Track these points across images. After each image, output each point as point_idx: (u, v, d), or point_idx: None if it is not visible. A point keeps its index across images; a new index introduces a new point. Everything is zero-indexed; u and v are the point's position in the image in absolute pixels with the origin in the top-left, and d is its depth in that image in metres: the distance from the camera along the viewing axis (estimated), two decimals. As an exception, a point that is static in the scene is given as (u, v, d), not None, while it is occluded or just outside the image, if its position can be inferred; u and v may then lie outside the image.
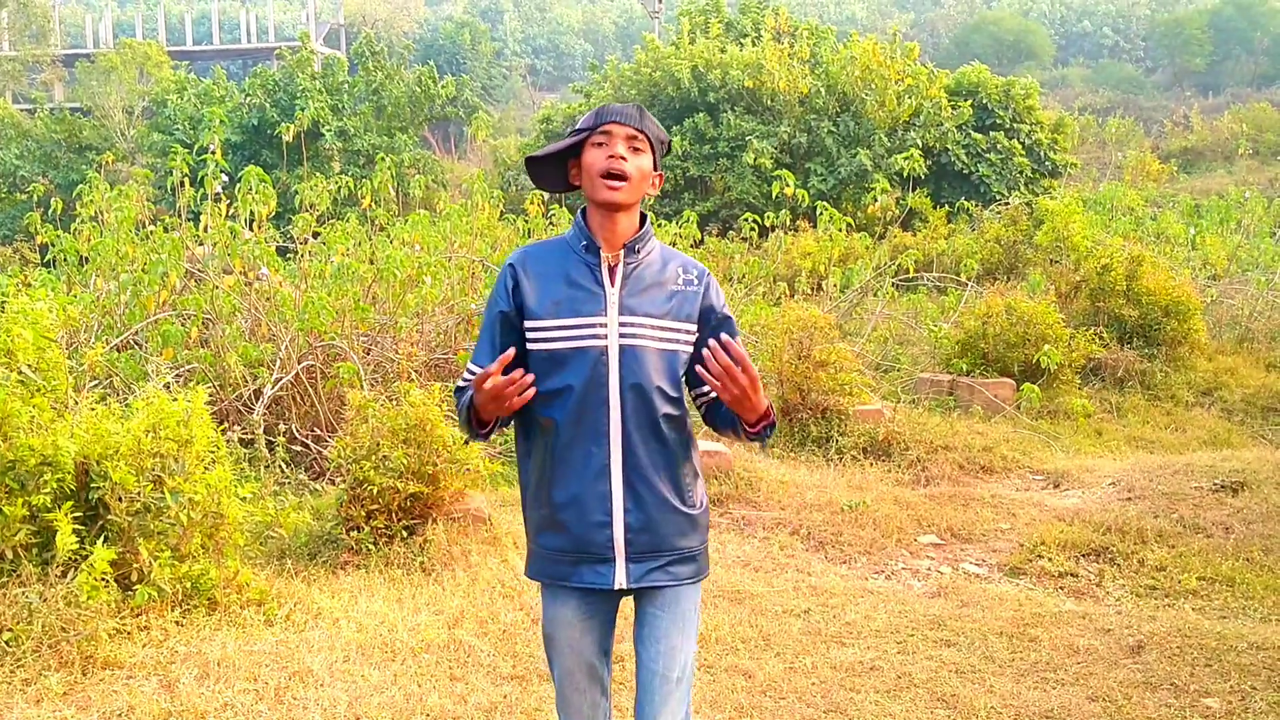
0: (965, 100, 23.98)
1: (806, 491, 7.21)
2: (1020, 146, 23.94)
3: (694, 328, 2.66)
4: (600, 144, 2.61)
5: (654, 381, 2.58)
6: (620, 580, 2.60)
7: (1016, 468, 8.33)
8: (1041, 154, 24.39)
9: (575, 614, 2.67)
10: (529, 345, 2.60)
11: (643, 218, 2.68)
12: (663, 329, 2.61)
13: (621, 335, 2.57)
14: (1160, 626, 5.02)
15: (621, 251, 2.63)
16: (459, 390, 2.69)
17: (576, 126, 2.67)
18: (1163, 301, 11.90)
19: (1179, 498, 7.10)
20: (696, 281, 2.68)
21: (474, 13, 73.71)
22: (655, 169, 2.67)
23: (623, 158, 2.58)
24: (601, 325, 2.56)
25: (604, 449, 2.56)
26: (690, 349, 2.67)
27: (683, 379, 2.69)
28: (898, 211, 19.65)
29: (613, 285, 2.60)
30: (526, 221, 10.52)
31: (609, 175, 2.58)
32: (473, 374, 2.60)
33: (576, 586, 2.63)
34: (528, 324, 2.60)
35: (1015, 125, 24.36)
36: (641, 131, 2.62)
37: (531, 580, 2.80)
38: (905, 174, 17.86)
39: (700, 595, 2.77)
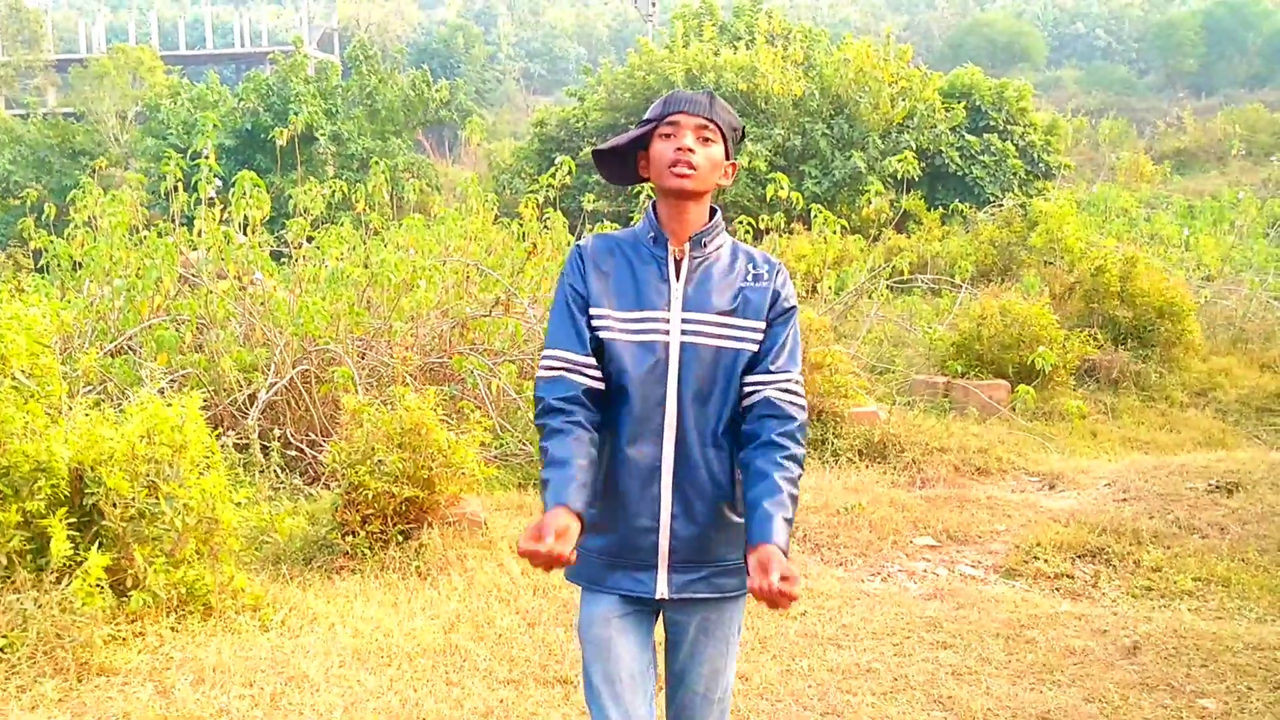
0: (959, 102, 24.03)
1: (802, 494, 7.19)
2: (1014, 148, 23.99)
3: (762, 324, 2.51)
4: (668, 135, 2.49)
5: (715, 382, 2.47)
6: (662, 589, 2.48)
7: (1012, 469, 8.33)
8: (1035, 156, 24.44)
9: (611, 610, 2.52)
10: (594, 333, 2.51)
11: (714, 211, 2.57)
12: (728, 326, 2.48)
13: (684, 332, 2.46)
14: (1156, 627, 5.02)
15: (688, 245, 2.52)
16: (543, 383, 2.49)
17: (645, 116, 2.56)
18: (1157, 303, 11.92)
19: (1174, 499, 7.10)
20: (767, 276, 2.54)
21: (467, 16, 73.77)
22: (728, 158, 2.55)
23: (690, 149, 2.47)
24: (664, 320, 2.46)
25: (658, 449, 2.45)
26: (757, 347, 2.51)
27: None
28: (892, 214, 19.68)
29: (678, 280, 2.50)
30: (521, 225, 10.52)
31: (676, 165, 2.47)
32: (555, 360, 2.47)
33: (613, 592, 2.52)
34: (592, 310, 2.49)
35: (1009, 127, 24.42)
36: (711, 120, 2.51)
37: (569, 582, 2.69)
38: (899, 176, 17.90)
39: (743, 615, 2.65)
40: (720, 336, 2.48)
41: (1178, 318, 11.95)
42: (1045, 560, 6.13)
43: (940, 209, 21.95)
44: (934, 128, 23.31)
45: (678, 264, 2.51)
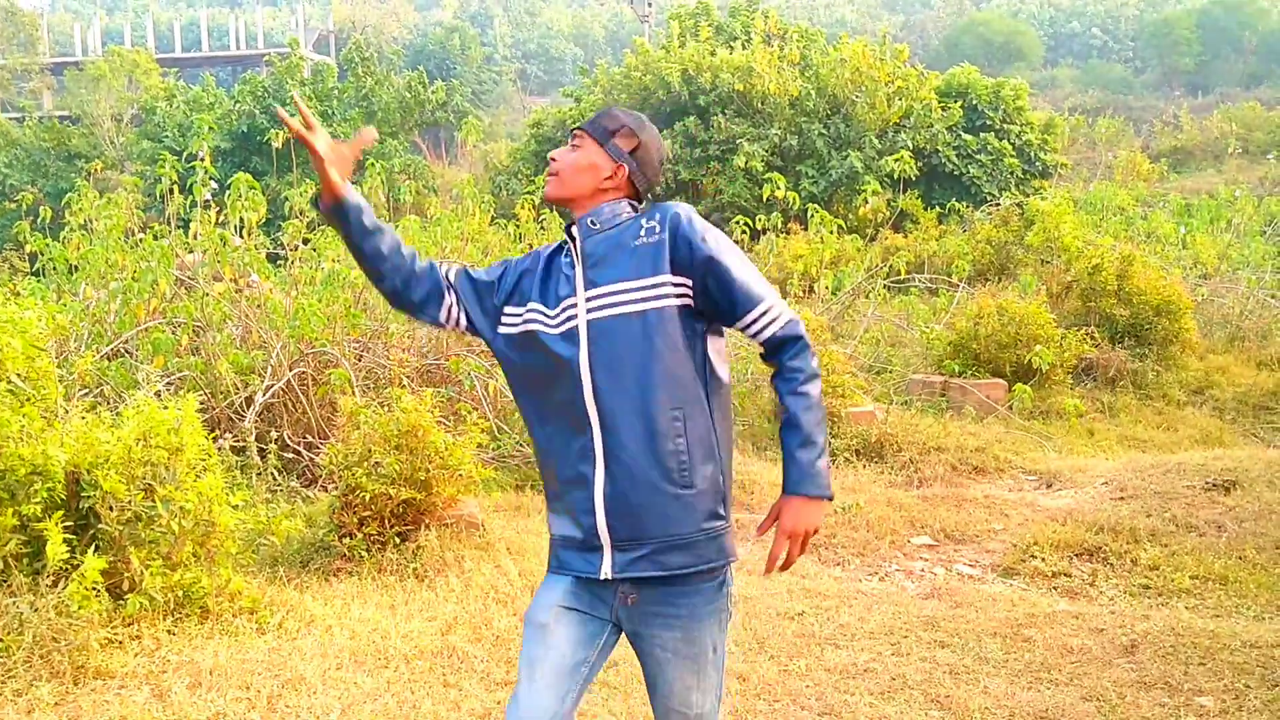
0: (955, 102, 24.04)
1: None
2: (1010, 147, 23.99)
3: (669, 277, 2.46)
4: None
5: (631, 352, 2.43)
6: (606, 570, 2.46)
7: (1009, 468, 8.34)
8: (1032, 155, 24.45)
9: (559, 598, 2.53)
10: (503, 330, 2.62)
11: (609, 200, 2.62)
12: (629, 290, 2.47)
13: (589, 310, 2.48)
14: (1154, 626, 5.02)
15: (577, 230, 2.59)
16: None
17: None
18: (1154, 301, 11.93)
19: (1171, 497, 7.11)
20: (660, 228, 2.50)
21: (463, 17, 73.78)
22: (613, 160, 2.61)
23: (553, 158, 2.65)
24: (571, 305, 2.51)
25: (586, 432, 2.46)
26: (684, 298, 2.47)
27: (696, 332, 2.50)
28: (889, 213, 19.69)
29: (579, 263, 2.55)
30: (518, 226, 10.52)
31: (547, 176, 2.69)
32: (458, 266, 2.74)
33: (570, 576, 2.53)
34: (506, 309, 2.62)
35: (1005, 126, 24.42)
36: (582, 130, 2.66)
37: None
38: (896, 176, 17.91)
39: (724, 632, 2.57)
40: (624, 303, 2.46)
41: (1175, 316, 11.95)
42: (1043, 559, 6.14)
43: (937, 208, 21.96)
44: (930, 127, 23.32)
45: (577, 250, 2.58)
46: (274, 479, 6.88)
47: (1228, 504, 6.90)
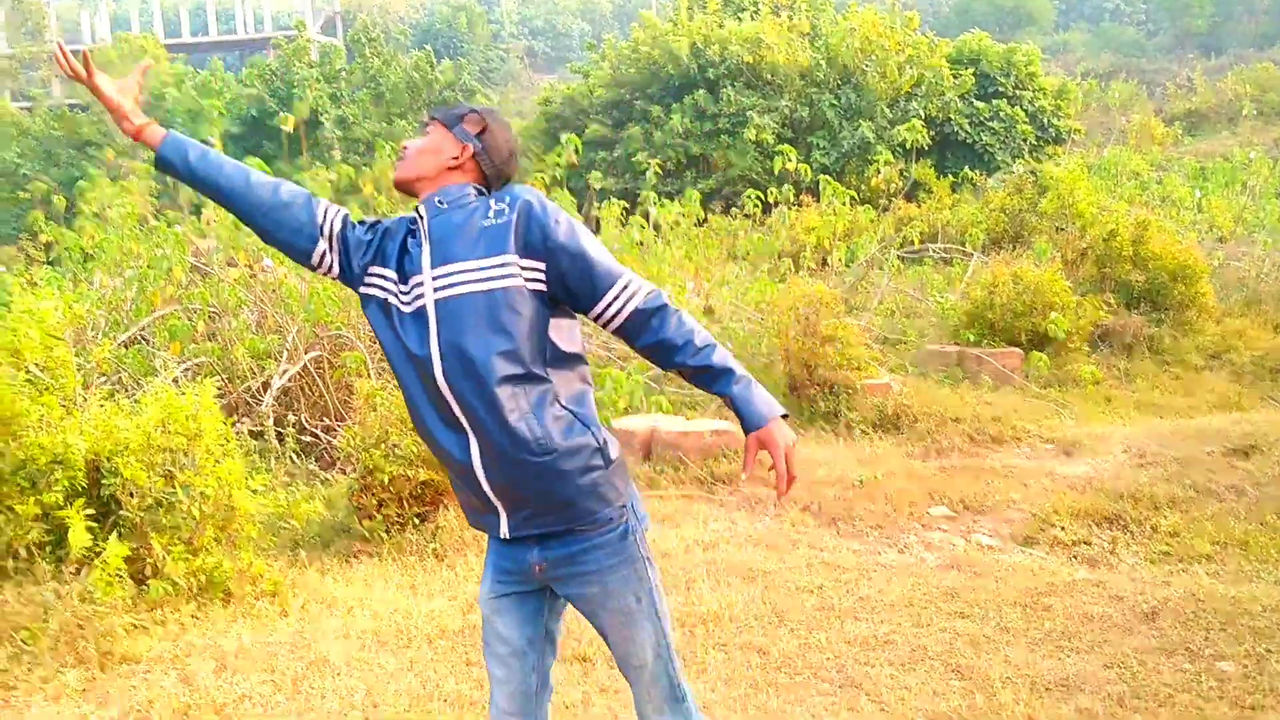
0: (967, 69, 23.88)
1: (817, 467, 7.20)
2: (1023, 114, 23.84)
3: (516, 259, 2.47)
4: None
5: (478, 329, 2.44)
6: (504, 530, 2.55)
7: (1027, 437, 8.31)
8: (1045, 121, 24.29)
9: (490, 590, 2.67)
10: (364, 290, 2.64)
11: (458, 181, 2.66)
12: (477, 269, 2.47)
13: (436, 290, 2.48)
14: (1174, 592, 5.02)
15: (423, 208, 2.60)
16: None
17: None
18: (1169, 266, 11.86)
19: (1190, 462, 7.08)
20: (508, 210, 2.51)
21: (470, -5, 73.38)
22: (459, 141, 2.67)
23: (404, 145, 2.70)
24: (419, 284, 2.51)
25: (446, 407, 2.48)
26: (535, 283, 2.48)
27: (540, 313, 2.50)
28: (901, 183, 19.60)
29: (426, 242, 2.55)
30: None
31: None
32: (333, 206, 2.73)
33: (494, 552, 2.65)
34: (372, 269, 2.62)
35: (1018, 92, 24.26)
36: (433, 118, 2.73)
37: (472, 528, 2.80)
38: (908, 145, 17.84)
39: (644, 579, 2.60)
40: (471, 282, 2.47)
41: (1191, 280, 11.88)
42: (1062, 528, 6.13)
43: (950, 177, 21.85)
44: (942, 95, 23.18)
45: (424, 228, 2.58)
46: (292, 462, 6.92)
47: (1247, 469, 6.88)
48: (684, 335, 2.51)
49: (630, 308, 2.51)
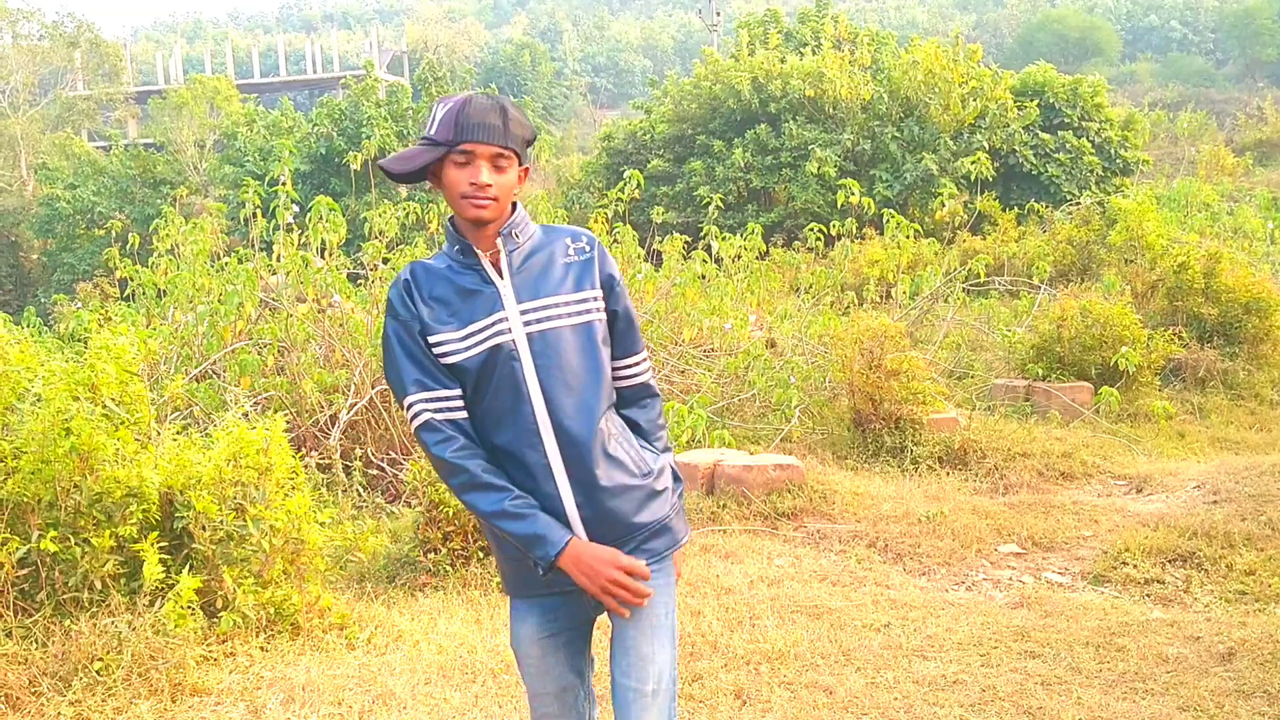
0: (1031, 100, 23.69)
1: (882, 503, 7.14)
2: (1090, 145, 23.57)
3: (599, 294, 2.53)
4: (462, 163, 2.43)
5: (578, 361, 2.47)
6: None
7: (1097, 473, 8.18)
8: (1112, 152, 24.00)
9: (536, 630, 2.57)
10: (453, 360, 2.49)
11: (515, 206, 2.55)
12: (569, 303, 2.49)
13: (526, 324, 2.45)
14: (1251, 633, 4.89)
15: (500, 241, 2.49)
16: (436, 439, 2.46)
17: (432, 135, 2.45)
18: (1242, 298, 11.63)
19: (1266, 499, 6.91)
20: (589, 248, 2.55)
21: (533, 34, 74.44)
22: (521, 164, 2.52)
23: (487, 184, 2.42)
24: (502, 320, 2.45)
25: (540, 448, 2.44)
26: (604, 316, 2.54)
27: (603, 347, 2.55)
28: (966, 216, 19.45)
29: (501, 278, 2.48)
30: (592, 240, 10.57)
31: (475, 199, 2.44)
32: (419, 405, 2.45)
33: (549, 595, 2.54)
34: (430, 339, 2.47)
35: (1084, 124, 24.01)
36: (507, 146, 2.45)
37: (507, 595, 2.68)
38: (972, 177, 17.70)
39: (674, 597, 2.63)
40: (564, 315, 2.48)
41: (1265, 313, 11.64)
42: (1134, 566, 6.00)
43: (1015, 209, 21.65)
44: (1007, 127, 23.01)
45: (495, 265, 2.50)
46: (359, 495, 6.99)
47: (1327, 506, 6.69)
48: (659, 426, 2.67)
49: (643, 379, 2.65)
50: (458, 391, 2.47)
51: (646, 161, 24.60)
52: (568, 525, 2.45)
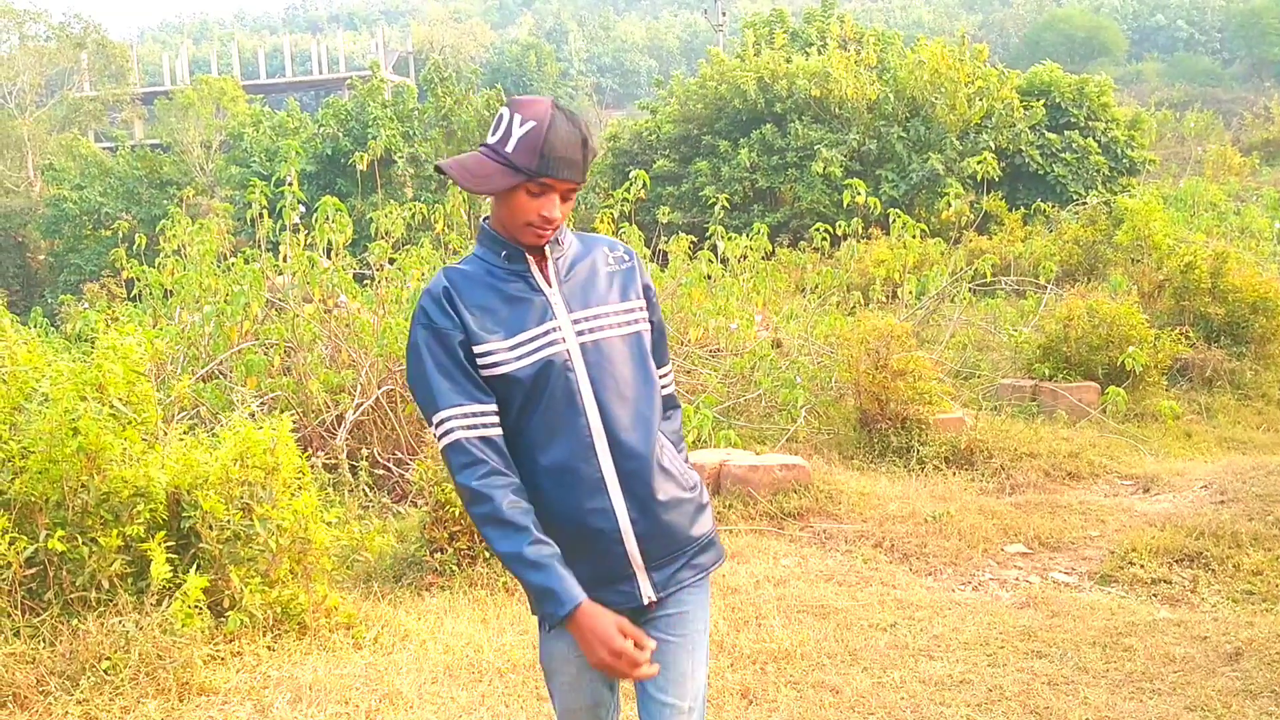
0: (1038, 100, 23.64)
1: (889, 503, 7.13)
2: (1096, 145, 23.52)
3: (643, 304, 2.49)
4: (535, 194, 2.31)
5: (627, 372, 2.39)
6: (648, 593, 2.40)
7: (1104, 473, 8.17)
8: (1118, 151, 23.95)
9: (573, 647, 2.37)
10: (482, 373, 2.35)
11: None
12: (619, 313, 2.42)
13: (579, 334, 2.36)
14: (1259, 632, 4.88)
15: (547, 248, 2.40)
16: (463, 461, 2.31)
17: (508, 155, 2.29)
18: (1250, 298, 11.61)
19: (1274, 499, 6.89)
20: (628, 258, 2.51)
21: (539, 34, 74.49)
22: None
23: (557, 218, 2.34)
24: (555, 330, 2.35)
25: (593, 462, 2.34)
26: (648, 327, 2.49)
27: (650, 358, 2.50)
28: (972, 216, 19.41)
29: (550, 285, 2.39)
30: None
31: (541, 227, 2.35)
32: (451, 421, 2.31)
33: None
34: (476, 350, 2.33)
35: (1090, 123, 23.95)
36: (579, 184, 2.36)
37: (536, 615, 2.52)
38: (979, 177, 17.66)
39: (710, 613, 2.58)
40: (616, 325, 2.42)
41: (1272, 313, 11.61)
42: (1141, 566, 5.99)
43: (1022, 209, 21.61)
44: (1013, 127, 22.97)
45: (543, 271, 2.40)
46: (365, 495, 6.99)
47: (1335, 506, 6.67)
48: (680, 437, 2.61)
49: (669, 390, 2.61)
50: (493, 406, 2.34)
51: (652, 162, 24.60)
52: (621, 540, 2.37)
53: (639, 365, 2.43)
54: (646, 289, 2.52)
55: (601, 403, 2.36)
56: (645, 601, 2.42)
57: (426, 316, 2.36)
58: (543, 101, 2.34)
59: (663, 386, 2.56)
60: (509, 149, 2.29)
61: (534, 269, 2.39)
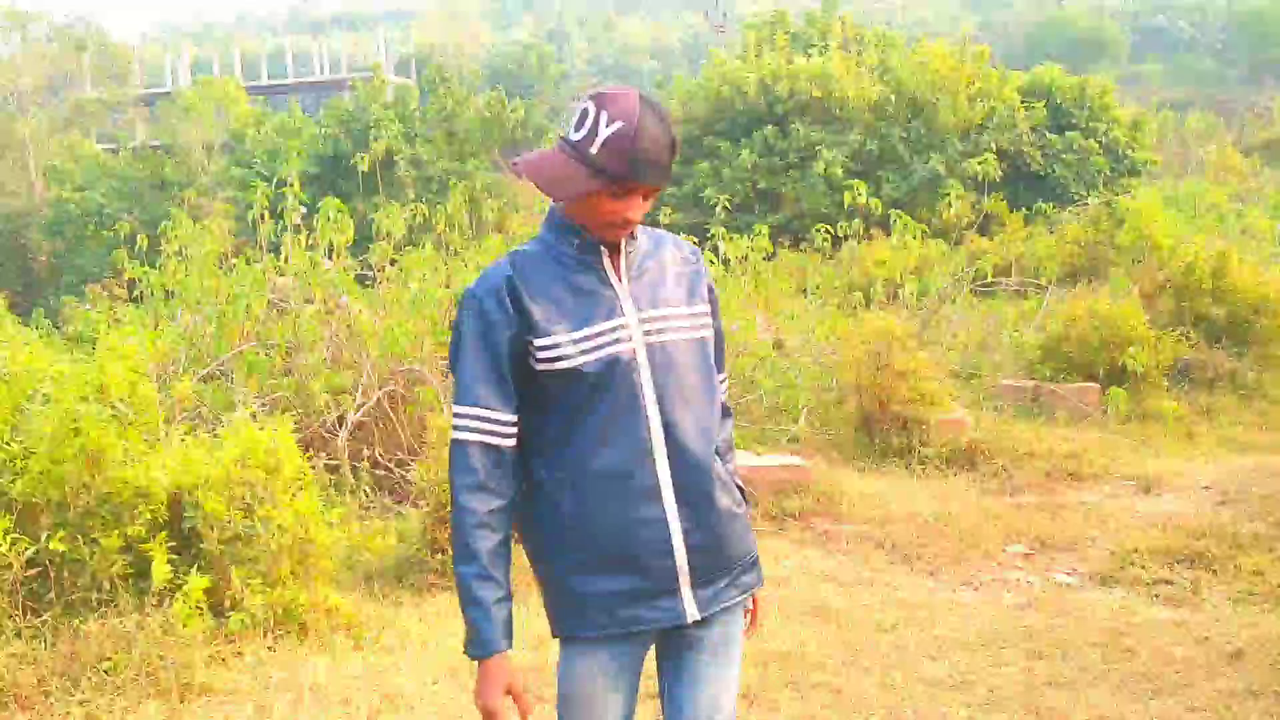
0: (1039, 101, 23.66)
1: (890, 503, 7.13)
2: (1097, 146, 23.53)
3: (708, 309, 2.38)
4: (619, 195, 2.18)
5: (691, 378, 2.28)
6: (692, 611, 2.28)
7: (1105, 474, 8.16)
8: (1120, 152, 23.96)
9: (602, 669, 2.30)
10: (539, 367, 2.23)
11: None
12: (687, 316, 2.31)
13: (646, 334, 2.24)
14: (1260, 633, 4.88)
15: (623, 242, 2.27)
16: (461, 464, 2.24)
17: (594, 157, 2.14)
18: (1251, 299, 11.59)
19: (1275, 500, 6.90)
20: (694, 258, 2.39)
21: (540, 35, 74.53)
22: None
23: (638, 219, 2.25)
24: (622, 328, 2.23)
25: (648, 468, 2.22)
26: (711, 333, 2.39)
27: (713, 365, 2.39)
28: (973, 216, 19.41)
29: (620, 280, 2.27)
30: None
31: (622, 227, 2.25)
32: (477, 420, 2.23)
33: (622, 635, 2.28)
34: (538, 343, 2.21)
35: (1091, 124, 23.96)
36: (659, 186, 2.24)
37: (560, 636, 2.38)
38: (980, 178, 17.67)
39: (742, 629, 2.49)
40: (683, 329, 2.30)
41: (1273, 314, 11.59)
42: (1143, 566, 5.99)
43: (1023, 210, 21.58)
44: (1014, 128, 22.98)
45: (614, 264, 2.28)
46: (367, 496, 6.99)
47: (1336, 507, 6.67)
48: (731, 448, 2.48)
49: (724, 397, 2.46)
50: (514, 418, 2.24)
51: (653, 163, 24.58)
52: (670, 552, 2.25)
53: (704, 372, 2.33)
54: (710, 291, 2.41)
55: (664, 408, 2.24)
56: (688, 620, 2.30)
57: (480, 305, 2.24)
58: (630, 95, 2.20)
59: (723, 392, 2.46)
60: (594, 150, 2.15)
61: (606, 262, 2.27)
